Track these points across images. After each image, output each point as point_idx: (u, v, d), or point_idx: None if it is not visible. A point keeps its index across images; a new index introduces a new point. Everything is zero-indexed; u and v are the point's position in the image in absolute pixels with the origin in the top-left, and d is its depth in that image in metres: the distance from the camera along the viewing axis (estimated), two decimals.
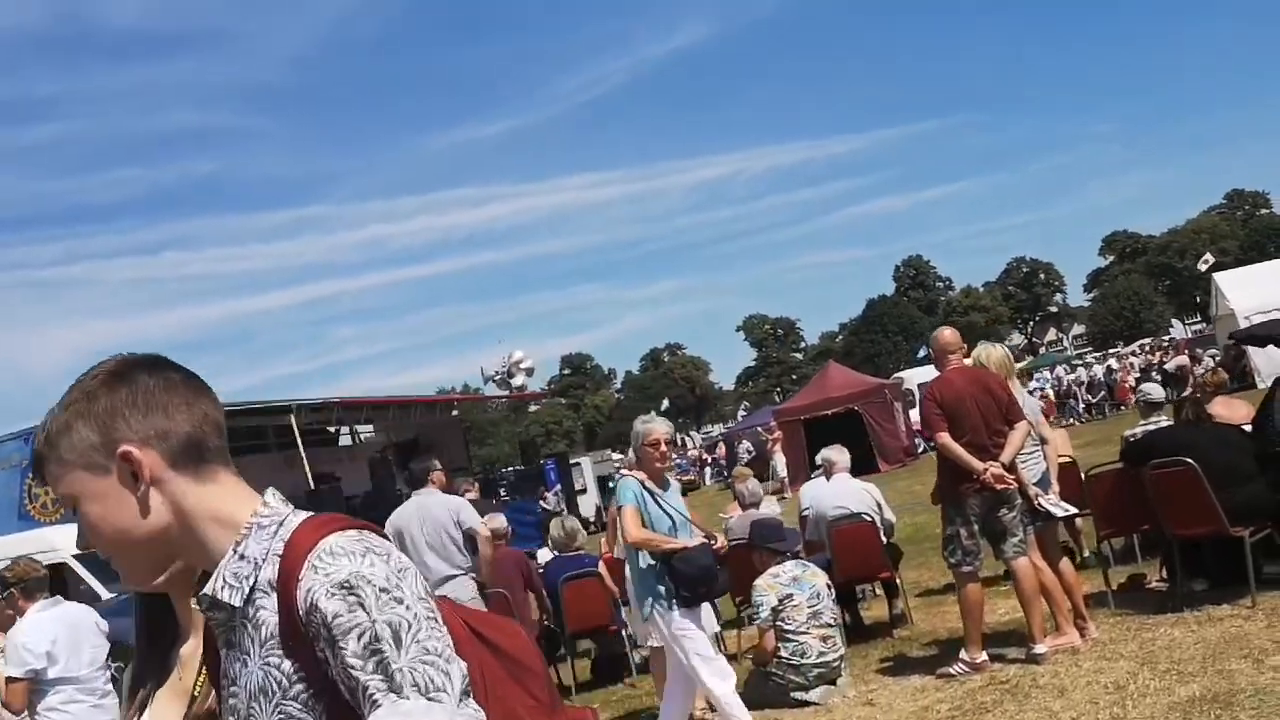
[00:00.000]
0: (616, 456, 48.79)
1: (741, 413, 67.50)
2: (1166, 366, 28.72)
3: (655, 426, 5.68)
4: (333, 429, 25.92)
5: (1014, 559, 6.43)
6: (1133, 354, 39.97)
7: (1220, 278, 29.58)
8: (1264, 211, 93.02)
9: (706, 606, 5.67)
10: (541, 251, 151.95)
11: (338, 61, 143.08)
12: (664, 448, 5.64)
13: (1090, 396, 30.50)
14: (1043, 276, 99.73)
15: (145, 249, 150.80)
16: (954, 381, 6.54)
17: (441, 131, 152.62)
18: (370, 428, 26.91)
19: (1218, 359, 25.32)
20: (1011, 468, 6.40)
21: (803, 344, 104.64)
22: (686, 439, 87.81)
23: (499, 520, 8.97)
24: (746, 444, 33.18)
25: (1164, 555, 7.57)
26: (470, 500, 8.23)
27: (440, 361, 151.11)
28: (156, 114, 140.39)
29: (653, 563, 5.41)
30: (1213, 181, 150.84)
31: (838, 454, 8.20)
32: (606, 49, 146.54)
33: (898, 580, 8.17)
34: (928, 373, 33.10)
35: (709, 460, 46.76)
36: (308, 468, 19.29)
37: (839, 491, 8.08)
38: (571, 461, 30.87)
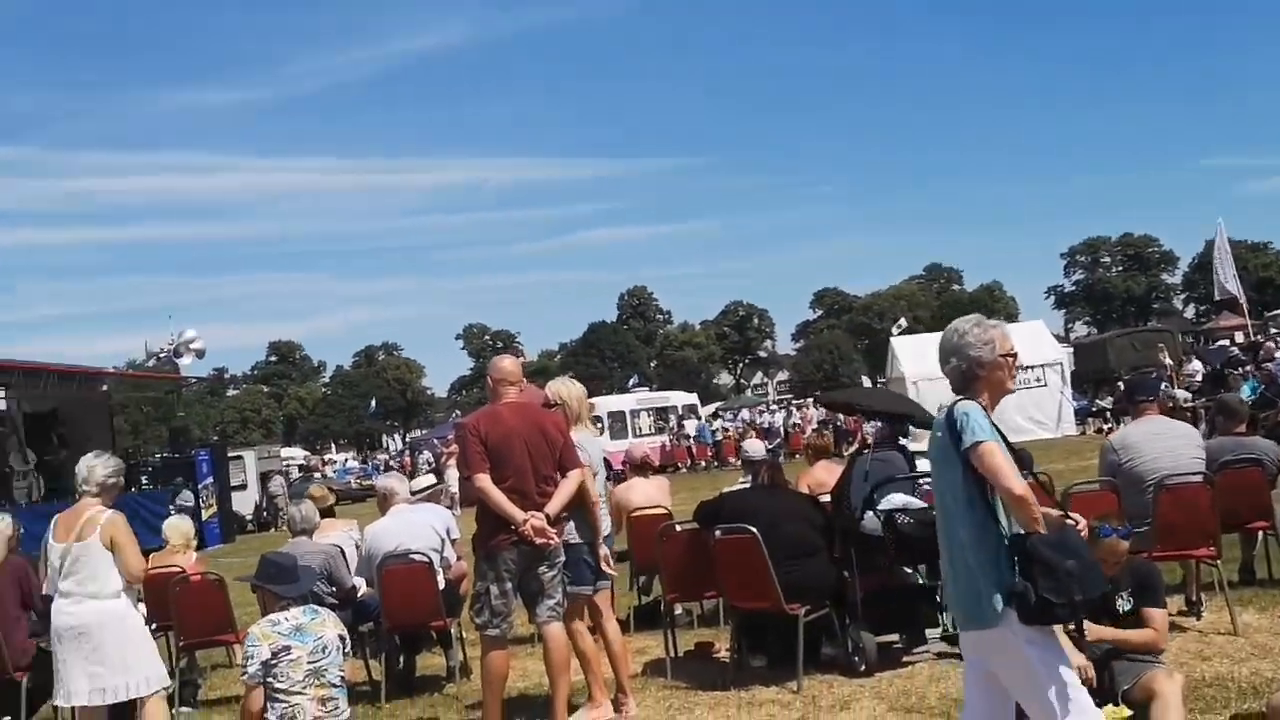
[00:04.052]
0: (286, 453, 46.29)
1: (453, 420, 66.09)
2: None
3: (1005, 328, 3.78)
4: None
5: (547, 623, 5.70)
6: (813, 405, 41.72)
7: (897, 342, 31.11)
8: (955, 287, 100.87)
9: None
10: (265, 232, 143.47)
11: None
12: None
13: (767, 442, 31.28)
14: (756, 321, 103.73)
15: None
16: (503, 417, 5.76)
17: (173, 90, 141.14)
18: (0, 394, 23.86)
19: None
20: (556, 520, 5.68)
21: (521, 359, 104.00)
22: (388, 441, 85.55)
23: (5, 521, 7.48)
24: (427, 454, 31.96)
25: (733, 625, 7.11)
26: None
27: (143, 331, 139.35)
28: None
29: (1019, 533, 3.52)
30: (916, 253, 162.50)
31: (398, 482, 7.30)
32: (356, 35, 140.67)
33: (452, 629, 7.29)
34: (620, 401, 33.21)
35: (400, 466, 45.26)
36: None
37: (397, 527, 7.14)
38: (232, 454, 28.58)
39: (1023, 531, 3.48)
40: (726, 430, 33.46)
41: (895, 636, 6.74)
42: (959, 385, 3.66)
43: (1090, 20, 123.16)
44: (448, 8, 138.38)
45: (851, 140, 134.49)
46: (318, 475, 37.46)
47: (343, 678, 5.94)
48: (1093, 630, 5.05)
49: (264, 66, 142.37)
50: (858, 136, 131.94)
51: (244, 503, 28.35)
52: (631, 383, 66.95)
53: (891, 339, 31.93)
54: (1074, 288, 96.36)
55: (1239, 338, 27.52)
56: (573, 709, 5.95)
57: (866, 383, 64.30)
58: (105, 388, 26.34)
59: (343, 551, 7.47)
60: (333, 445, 76.54)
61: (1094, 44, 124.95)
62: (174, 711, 6.88)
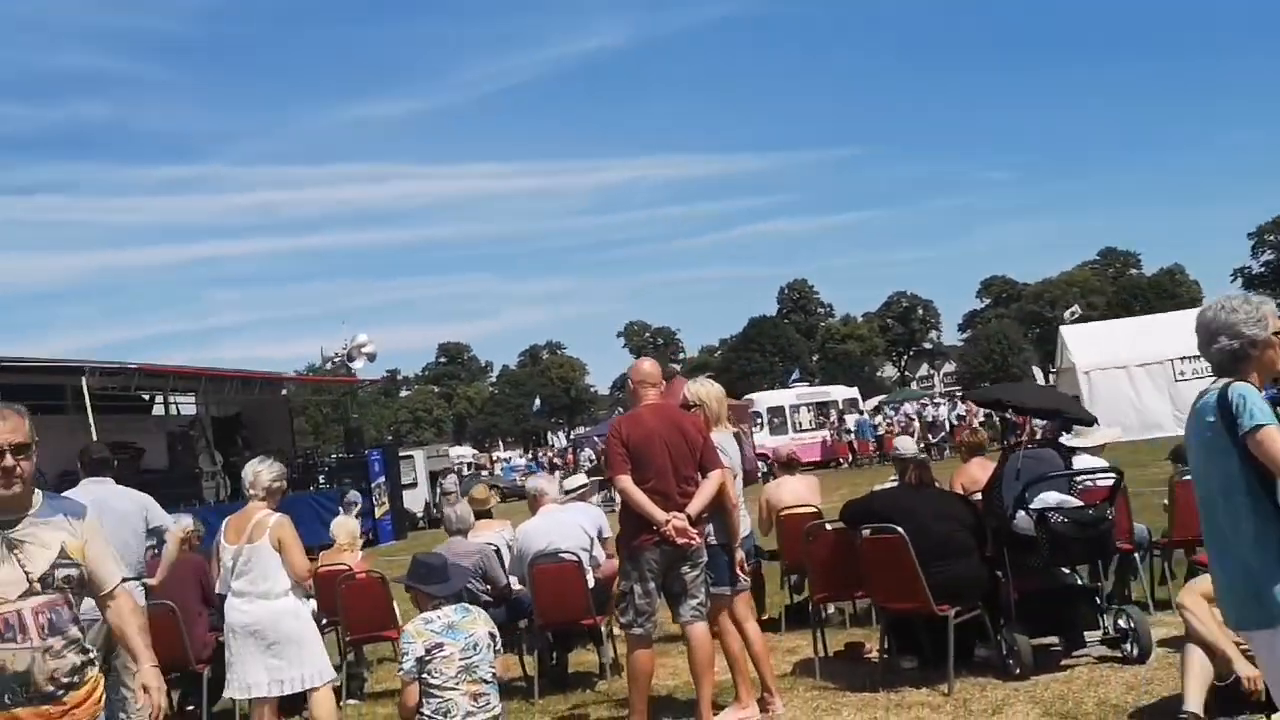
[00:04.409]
0: (455, 451, 47.60)
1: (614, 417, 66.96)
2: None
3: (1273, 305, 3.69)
4: (147, 396, 24.45)
5: (691, 623, 5.74)
6: None
7: (1067, 331, 29.96)
8: (1133, 271, 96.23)
9: None
10: (434, 236, 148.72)
11: (246, 21, 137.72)
12: None
13: (930, 436, 30.59)
14: (920, 312, 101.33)
15: (17, 189, 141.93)
16: (645, 419, 5.82)
17: (344, 105, 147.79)
18: (191, 399, 25.45)
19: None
20: (698, 520, 5.71)
21: (682, 355, 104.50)
22: (553, 438, 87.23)
23: (186, 520, 8.00)
24: (588, 451, 32.45)
25: (882, 625, 7.00)
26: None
27: (321, 335, 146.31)
28: (48, 51, 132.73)
29: None
30: (1090, 237, 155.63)
31: (547, 483, 7.45)
32: (518, 41, 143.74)
33: (603, 627, 7.42)
34: (779, 396, 33.04)
35: (564, 464, 46.11)
36: (94, 434, 17.87)
37: (547, 526, 7.30)
38: (403, 454, 29.66)
39: None
40: (889, 424, 32.80)
41: (1053, 639, 6.53)
42: (1227, 366, 3.39)
43: None
44: (601, 11, 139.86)
45: (1017, 124, 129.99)
46: (485, 473, 38.58)
47: (494, 673, 6.13)
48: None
49: (428, 77, 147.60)
50: (1023, 119, 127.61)
51: (414, 500, 29.36)
52: (793, 377, 66.44)
53: (1062, 328, 30.69)
54: (1263, 269, 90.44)
55: None
56: (720, 708, 5.99)
57: (1038, 374, 62.05)
58: (285, 392, 27.74)
59: (498, 550, 7.69)
60: (500, 443, 78.54)
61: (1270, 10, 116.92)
62: (341, 703, 7.21)
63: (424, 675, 5.93)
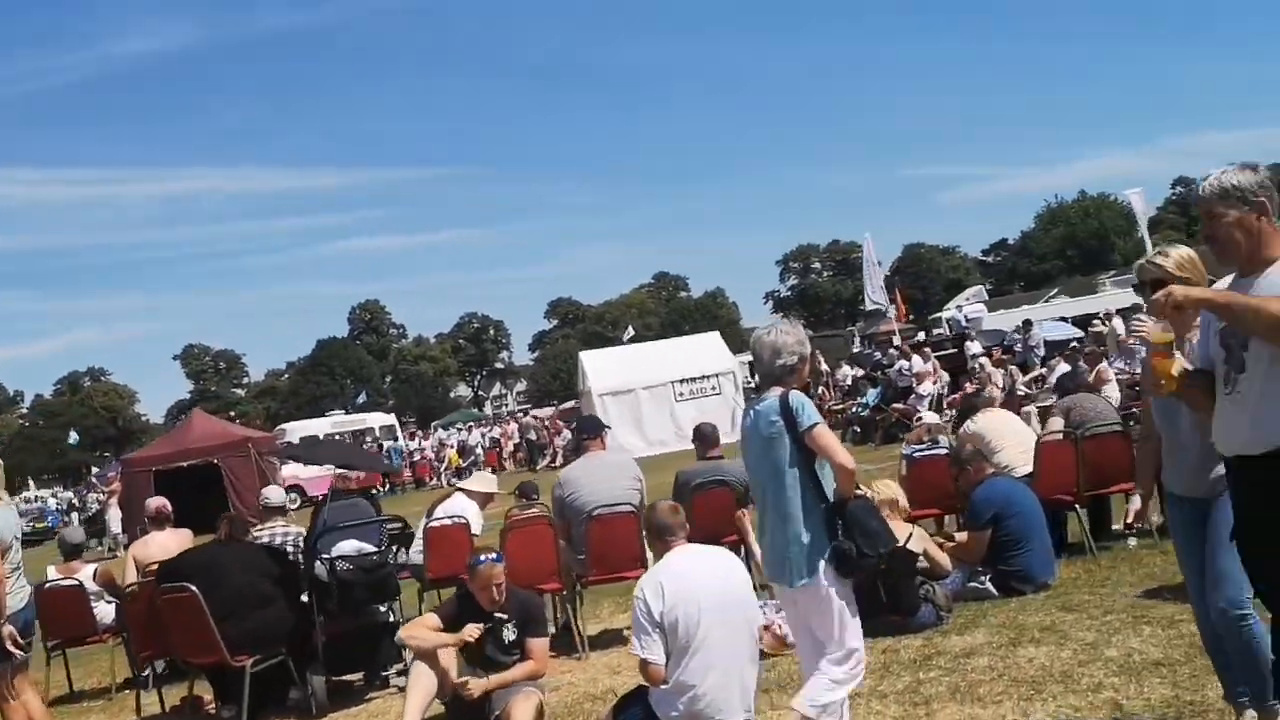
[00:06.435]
0: None
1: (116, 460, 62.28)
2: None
3: None
4: None
5: None
6: (514, 419, 42.12)
7: (585, 356, 31.83)
8: (683, 294, 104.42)
9: None
10: None
11: None
12: None
13: (462, 460, 31.47)
14: (492, 332, 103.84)
15: None
16: None
17: None
18: None
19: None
20: None
21: (246, 379, 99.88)
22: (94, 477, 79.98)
23: None
24: (96, 494, 30.18)
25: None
26: None
27: None
28: None
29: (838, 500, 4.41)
30: (647, 262, 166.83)
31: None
32: (63, 39, 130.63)
33: None
34: (313, 426, 32.28)
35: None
36: None
37: None
38: None
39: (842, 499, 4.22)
40: (421, 451, 33.31)
41: (358, 676, 7.04)
42: (782, 378, 4.30)
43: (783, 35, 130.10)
44: (168, 10, 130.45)
45: (582, 148, 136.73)
46: None
47: None
48: (475, 685, 5.49)
49: None
50: (589, 143, 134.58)
51: None
52: (361, 399, 65.58)
53: (580, 355, 32.67)
54: (789, 292, 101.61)
55: (897, 340, 29.76)
56: None
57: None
58: None
59: None
60: (31, 482, 70.76)
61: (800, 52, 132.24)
62: None
63: None
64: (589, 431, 7.59)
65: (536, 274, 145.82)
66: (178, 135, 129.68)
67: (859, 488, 4.67)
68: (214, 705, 7.18)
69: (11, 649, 5.93)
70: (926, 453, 8.32)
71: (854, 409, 22.69)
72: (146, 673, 7.37)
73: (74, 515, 35.50)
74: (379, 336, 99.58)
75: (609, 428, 8.59)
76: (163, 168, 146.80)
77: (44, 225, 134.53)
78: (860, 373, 27.01)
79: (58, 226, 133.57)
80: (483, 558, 5.63)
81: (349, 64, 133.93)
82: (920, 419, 10.10)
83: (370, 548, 6.81)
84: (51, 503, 49.40)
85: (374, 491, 30.97)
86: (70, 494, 54.21)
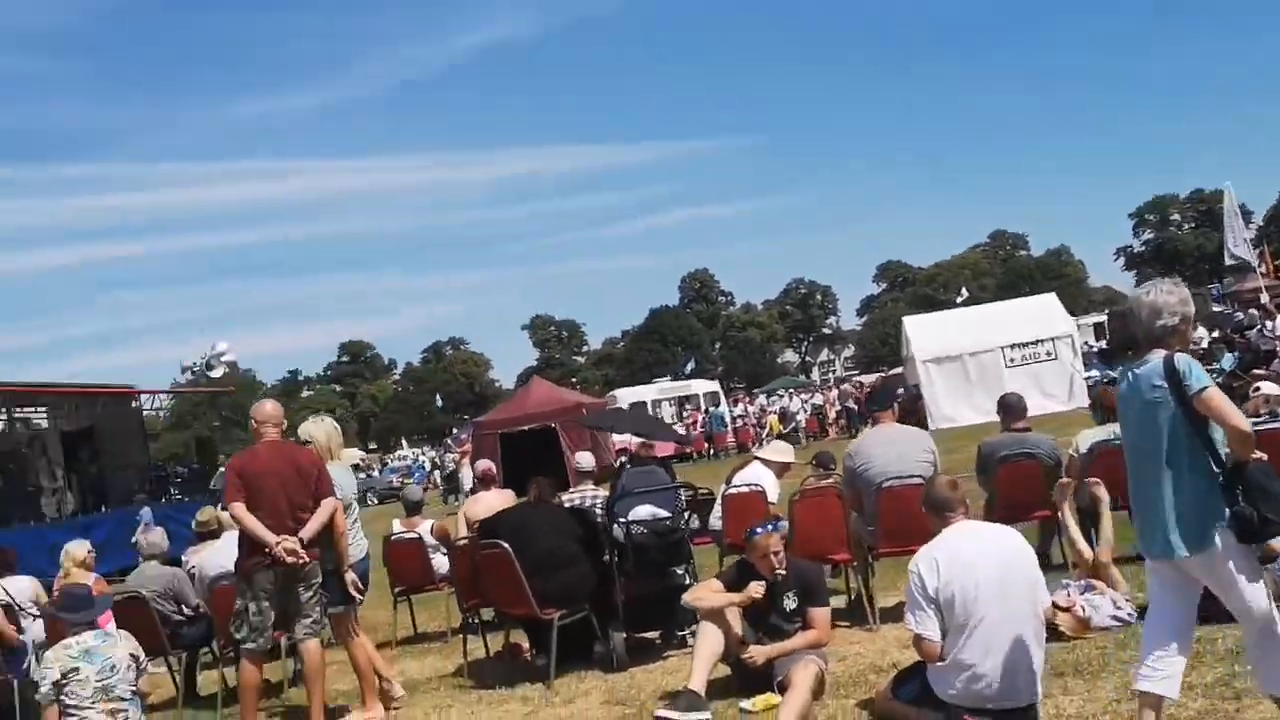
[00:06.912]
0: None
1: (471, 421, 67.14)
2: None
3: None
4: None
5: (303, 641, 6.43)
6: (835, 386, 41.70)
7: (909, 322, 31.09)
8: (1021, 253, 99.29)
9: None
10: (336, 232, 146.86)
11: (139, 14, 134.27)
12: None
13: (783, 426, 31.72)
14: (819, 298, 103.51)
15: None
16: (260, 455, 6.49)
17: (243, 99, 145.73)
18: (44, 413, 25.41)
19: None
20: (311, 544, 6.38)
21: (586, 347, 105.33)
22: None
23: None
24: (452, 455, 32.98)
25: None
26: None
27: (227, 334, 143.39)
28: None
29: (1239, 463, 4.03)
30: (981, 221, 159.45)
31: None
32: (418, 33, 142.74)
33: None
34: (641, 392, 33.61)
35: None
36: None
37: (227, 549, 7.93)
38: None
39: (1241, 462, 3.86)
40: (744, 417, 33.88)
41: (656, 634, 7.37)
42: (1163, 339, 3.99)
43: None
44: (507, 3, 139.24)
45: (909, 111, 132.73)
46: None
47: (134, 691, 6.78)
48: (757, 651, 5.66)
49: (330, 70, 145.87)
50: (914, 107, 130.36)
51: None
52: (689, 367, 67.68)
53: (903, 320, 31.93)
54: (1144, 248, 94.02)
55: (1264, 299, 26.90)
56: (343, 712, 6.71)
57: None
58: (136, 404, 27.78)
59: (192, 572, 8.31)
60: (403, 441, 78.56)
61: None
62: None
63: (61, 697, 6.57)
64: (879, 403, 7.52)
65: (864, 236, 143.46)
66: (513, 118, 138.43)
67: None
68: (530, 654, 7.77)
69: (354, 593, 6.73)
70: (1265, 426, 7.53)
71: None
72: (474, 620, 8.08)
73: (436, 474, 39.17)
74: (708, 304, 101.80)
75: (909, 396, 8.44)
76: (498, 150, 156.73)
77: (400, 208, 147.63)
78: (1216, 334, 24.71)
79: (411, 209, 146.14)
80: (759, 528, 5.74)
81: (653, 45, 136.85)
82: (1259, 389, 9.10)
83: (664, 513, 7.09)
84: (425, 461, 54.55)
85: (694, 456, 32.12)
86: (434, 453, 59.97)
